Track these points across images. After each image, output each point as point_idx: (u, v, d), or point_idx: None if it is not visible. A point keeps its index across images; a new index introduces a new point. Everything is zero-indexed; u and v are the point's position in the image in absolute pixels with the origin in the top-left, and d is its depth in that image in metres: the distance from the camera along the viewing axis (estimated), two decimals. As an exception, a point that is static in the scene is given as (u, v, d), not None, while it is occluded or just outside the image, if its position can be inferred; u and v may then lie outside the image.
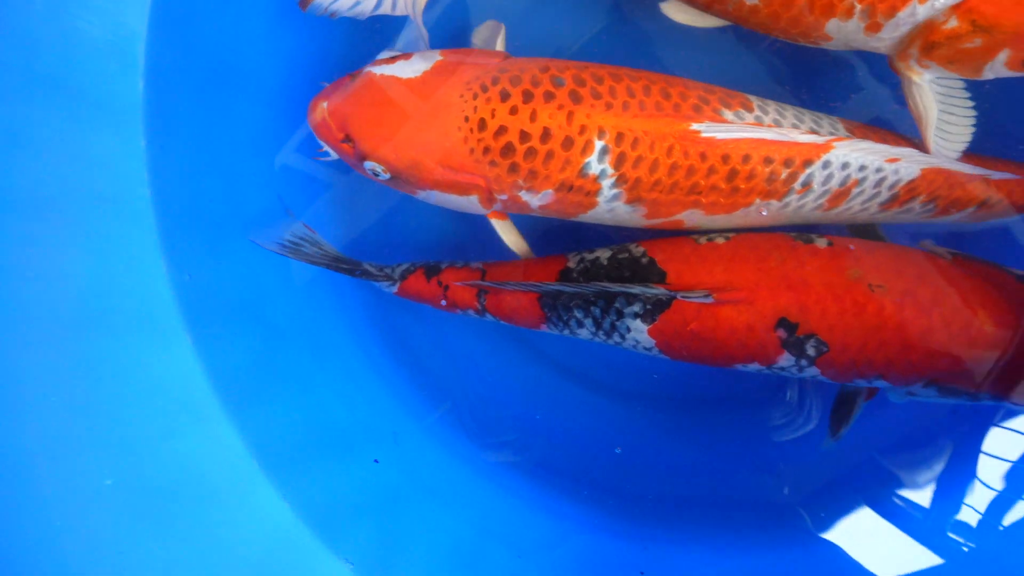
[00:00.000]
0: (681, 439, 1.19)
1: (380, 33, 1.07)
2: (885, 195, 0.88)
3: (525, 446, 1.19)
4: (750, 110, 0.85)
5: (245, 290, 1.09)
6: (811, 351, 0.85)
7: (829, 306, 0.82)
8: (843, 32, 0.82)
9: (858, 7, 0.77)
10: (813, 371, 0.88)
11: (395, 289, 1.01)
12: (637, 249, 0.93)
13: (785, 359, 0.87)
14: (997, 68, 0.78)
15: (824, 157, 0.83)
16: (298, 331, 1.12)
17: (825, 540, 1.09)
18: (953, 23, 0.75)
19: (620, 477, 1.18)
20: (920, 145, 0.88)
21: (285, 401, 1.09)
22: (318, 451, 1.08)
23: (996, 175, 0.90)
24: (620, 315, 0.90)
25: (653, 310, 0.88)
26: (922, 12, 0.75)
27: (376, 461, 1.08)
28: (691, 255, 0.89)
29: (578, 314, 0.92)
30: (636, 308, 0.89)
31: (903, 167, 0.85)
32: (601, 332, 0.94)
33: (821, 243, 0.88)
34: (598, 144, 0.82)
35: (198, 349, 1.02)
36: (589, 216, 0.90)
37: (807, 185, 0.85)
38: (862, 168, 0.85)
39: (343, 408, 1.11)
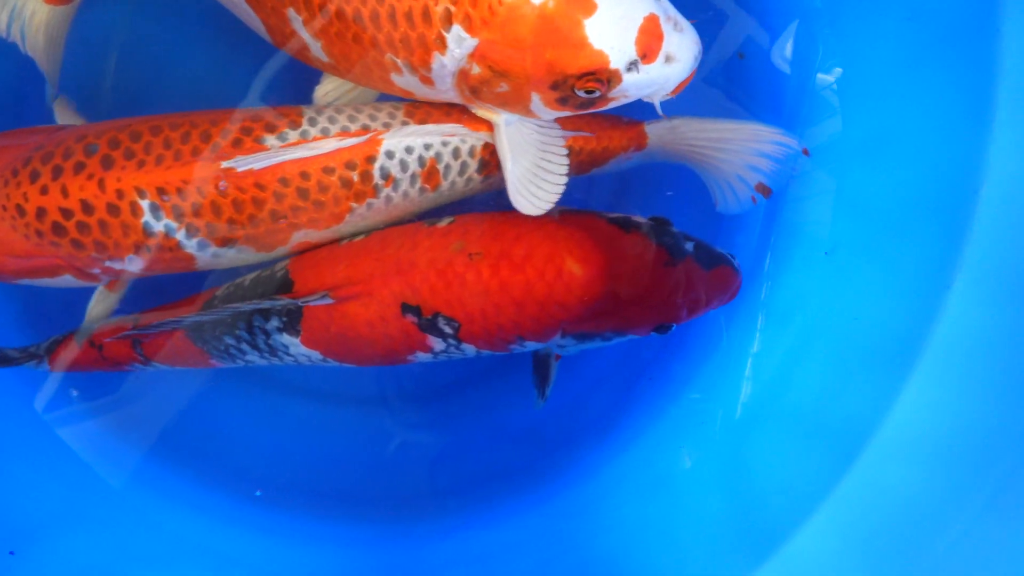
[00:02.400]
0: (426, 432, 1.22)
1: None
2: (475, 163, 0.91)
3: (271, 477, 1.18)
4: (297, 126, 0.87)
5: None
6: (448, 329, 0.88)
7: (435, 282, 0.85)
8: (413, 85, 0.85)
9: (399, 61, 0.80)
10: (469, 347, 0.92)
11: (48, 367, 0.99)
12: (279, 265, 0.95)
13: (436, 342, 0.90)
14: (542, 109, 0.82)
15: (382, 149, 0.86)
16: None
17: (571, 492, 1.14)
18: (477, 70, 0.78)
19: (376, 485, 1.20)
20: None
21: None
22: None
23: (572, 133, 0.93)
24: (267, 333, 0.92)
25: (291, 321, 0.90)
26: (449, 63, 0.78)
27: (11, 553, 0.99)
28: (321, 259, 0.92)
29: (229, 340, 0.93)
30: (276, 323, 0.91)
31: (470, 136, 0.89)
32: (267, 354, 0.95)
33: (443, 223, 0.92)
34: (144, 204, 0.82)
35: None
36: (209, 266, 0.91)
37: (388, 177, 0.88)
38: (428, 147, 0.89)
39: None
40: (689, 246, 0.88)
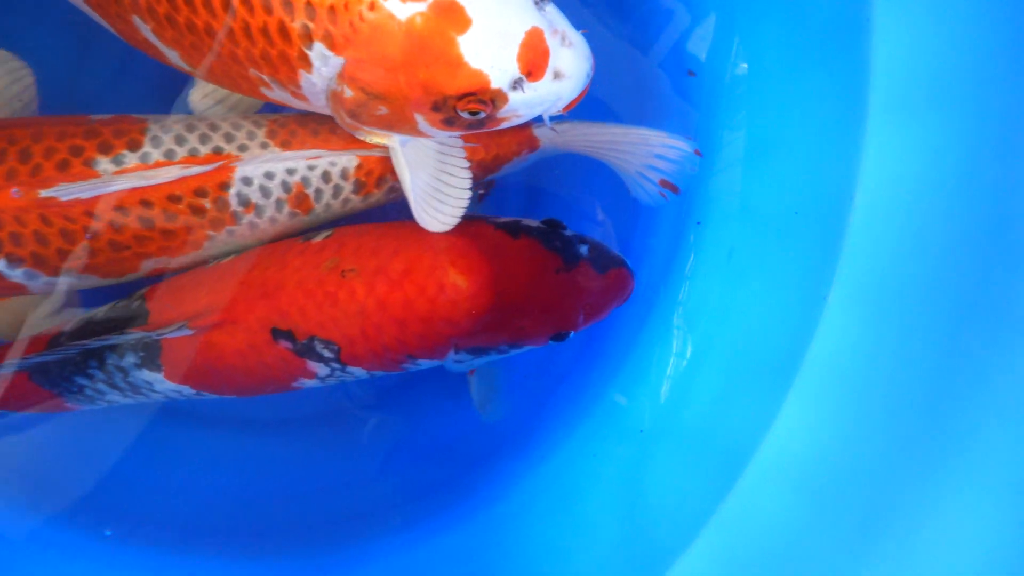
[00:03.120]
0: (328, 455, 1.13)
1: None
2: (350, 185, 0.84)
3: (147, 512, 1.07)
4: (138, 146, 0.78)
5: None
6: (327, 352, 0.81)
7: (305, 304, 0.78)
8: (291, 101, 0.78)
9: (265, 77, 0.73)
10: (357, 370, 0.84)
11: None
12: (136, 293, 0.86)
13: (318, 367, 0.83)
14: (431, 130, 0.76)
15: (236, 176, 0.79)
16: None
17: (486, 511, 1.08)
18: (349, 93, 0.71)
19: (276, 515, 1.11)
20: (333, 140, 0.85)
21: None
22: None
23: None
24: (123, 371, 0.82)
25: (149, 356, 0.81)
26: (318, 82, 0.71)
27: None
28: (181, 286, 0.83)
29: (82, 381, 0.83)
30: (132, 359, 0.81)
31: (340, 158, 0.82)
32: (130, 392, 0.86)
33: (319, 238, 0.84)
34: None
35: None
36: (50, 291, 0.82)
37: (248, 204, 0.80)
38: (291, 171, 0.81)
39: None
40: (583, 249, 0.83)
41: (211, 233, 0.81)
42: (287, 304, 0.78)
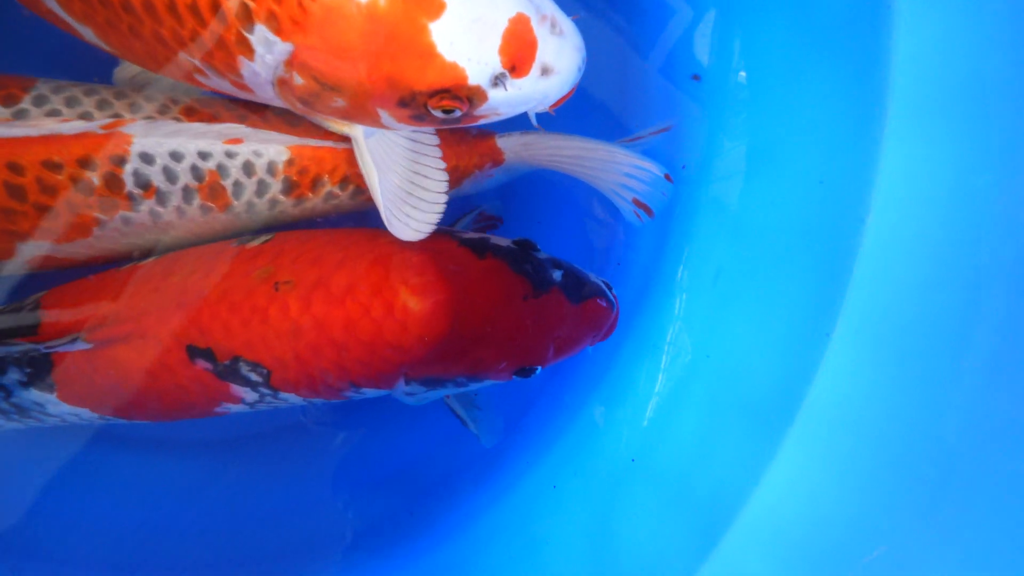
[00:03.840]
0: (271, 480, 1.00)
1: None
2: (278, 184, 0.73)
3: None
4: (14, 101, 0.66)
5: None
6: (255, 376, 0.69)
7: (228, 319, 0.66)
8: (230, 90, 0.67)
9: (198, 63, 0.62)
10: (289, 396, 0.73)
11: None
12: (32, 296, 0.73)
13: (244, 392, 0.71)
14: (396, 125, 0.65)
15: (133, 149, 0.66)
16: None
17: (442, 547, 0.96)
18: (300, 80, 0.60)
19: (211, 547, 0.96)
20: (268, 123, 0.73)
21: None
22: None
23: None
24: (6, 390, 0.69)
25: (37, 372, 0.68)
26: (262, 71, 0.61)
27: None
28: (83, 289, 0.70)
29: None
30: (16, 375, 0.69)
31: (263, 147, 0.71)
32: (16, 415, 0.73)
33: (256, 242, 0.73)
34: None
35: None
36: None
37: (148, 187, 0.68)
38: (205, 156, 0.69)
39: None
40: (556, 275, 0.73)
41: (100, 217, 0.68)
42: (207, 318, 0.66)
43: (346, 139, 0.73)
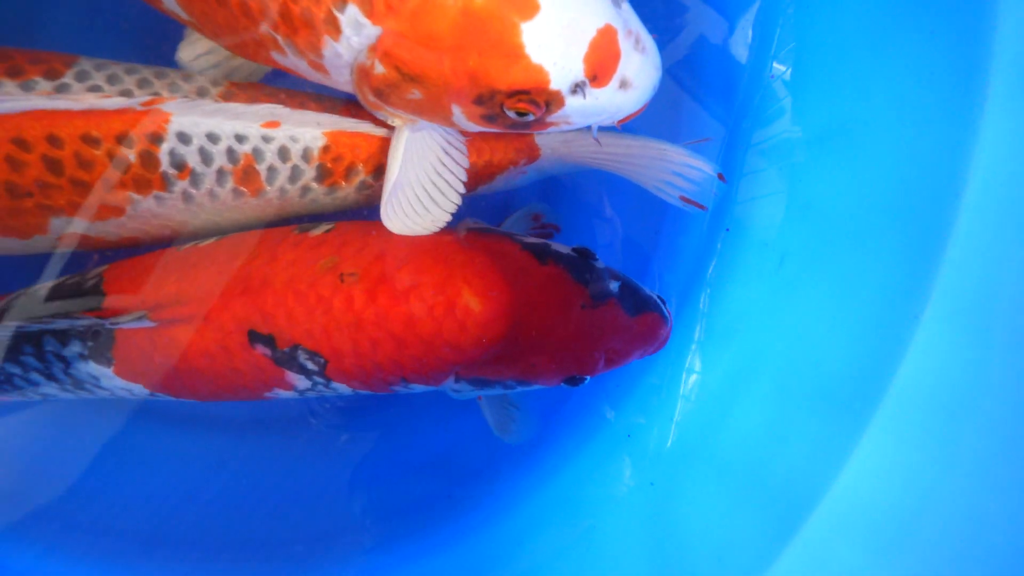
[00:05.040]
0: (314, 462, 0.98)
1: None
2: (312, 170, 0.73)
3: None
4: (57, 75, 0.66)
5: None
6: (311, 365, 0.70)
7: (293, 307, 0.67)
8: (303, 70, 0.67)
9: (280, 39, 0.62)
10: (341, 387, 0.73)
11: None
12: (93, 271, 0.74)
13: (298, 380, 0.71)
14: (465, 123, 0.66)
15: (171, 127, 0.66)
16: None
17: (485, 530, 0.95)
18: (381, 69, 0.61)
19: (253, 526, 0.95)
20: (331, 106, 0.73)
21: None
22: None
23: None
24: (65, 361, 0.70)
25: (98, 347, 0.69)
26: (345, 52, 0.61)
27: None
28: (148, 267, 0.71)
29: (12, 370, 0.71)
30: (77, 348, 0.69)
31: (299, 132, 0.71)
32: (70, 386, 0.74)
33: (318, 231, 0.74)
34: None
35: None
36: None
37: (183, 167, 0.68)
38: (241, 139, 0.69)
39: None
40: (614, 286, 0.73)
41: (135, 196, 0.68)
42: (272, 305, 0.67)
43: (383, 125, 0.73)
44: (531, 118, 0.61)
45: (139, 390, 0.73)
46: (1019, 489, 0.65)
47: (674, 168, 0.81)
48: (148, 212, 0.70)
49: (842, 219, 0.83)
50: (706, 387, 0.92)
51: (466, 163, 0.74)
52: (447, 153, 0.73)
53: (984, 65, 0.71)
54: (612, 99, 0.60)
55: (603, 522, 0.90)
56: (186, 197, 0.70)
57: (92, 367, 0.70)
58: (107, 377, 0.71)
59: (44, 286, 0.72)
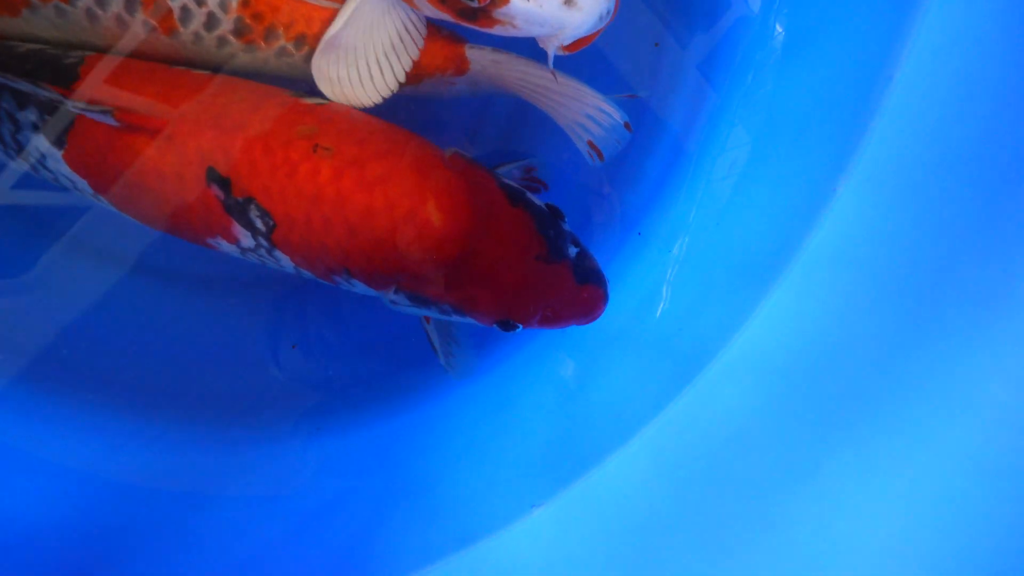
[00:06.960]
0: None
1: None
2: (228, 23, 0.70)
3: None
4: None
5: None
6: (259, 223, 0.69)
7: (259, 159, 0.65)
8: None
9: None
10: (283, 257, 0.72)
11: None
12: (77, 52, 0.71)
13: (243, 235, 0.70)
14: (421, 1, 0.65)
15: None
16: None
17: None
18: None
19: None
20: None
21: None
22: None
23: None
24: (15, 123, 0.68)
25: (54, 124, 0.67)
26: None
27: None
28: (131, 69, 0.69)
29: None
30: (33, 116, 0.67)
31: None
32: (12, 150, 0.71)
33: (310, 99, 0.72)
34: None
35: None
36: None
37: None
38: None
39: None
40: (572, 251, 0.74)
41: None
42: (239, 150, 0.65)
43: None
44: (476, 5, 0.62)
45: (83, 185, 0.72)
46: (910, 337, 0.68)
47: (588, 111, 0.82)
48: (47, 22, 0.68)
49: (782, 109, 0.85)
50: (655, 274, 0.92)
51: (416, 52, 0.73)
52: (406, 30, 0.73)
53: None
54: (555, 12, 0.61)
55: (521, 396, 0.92)
56: (90, 16, 0.67)
57: (43, 142, 0.68)
58: (54, 159, 0.69)
59: (25, 45, 0.70)
